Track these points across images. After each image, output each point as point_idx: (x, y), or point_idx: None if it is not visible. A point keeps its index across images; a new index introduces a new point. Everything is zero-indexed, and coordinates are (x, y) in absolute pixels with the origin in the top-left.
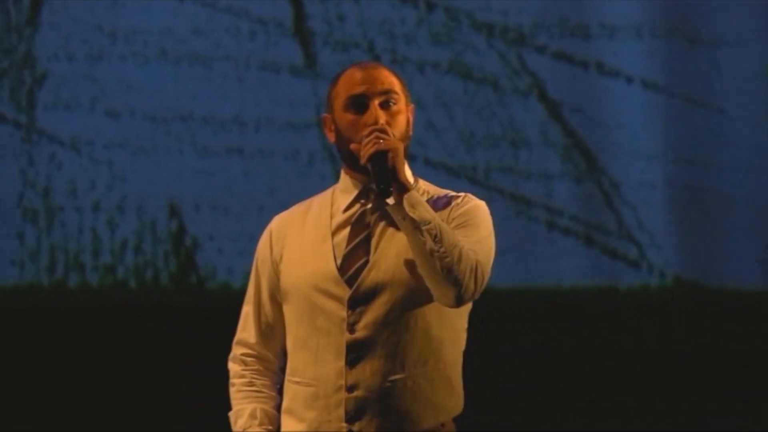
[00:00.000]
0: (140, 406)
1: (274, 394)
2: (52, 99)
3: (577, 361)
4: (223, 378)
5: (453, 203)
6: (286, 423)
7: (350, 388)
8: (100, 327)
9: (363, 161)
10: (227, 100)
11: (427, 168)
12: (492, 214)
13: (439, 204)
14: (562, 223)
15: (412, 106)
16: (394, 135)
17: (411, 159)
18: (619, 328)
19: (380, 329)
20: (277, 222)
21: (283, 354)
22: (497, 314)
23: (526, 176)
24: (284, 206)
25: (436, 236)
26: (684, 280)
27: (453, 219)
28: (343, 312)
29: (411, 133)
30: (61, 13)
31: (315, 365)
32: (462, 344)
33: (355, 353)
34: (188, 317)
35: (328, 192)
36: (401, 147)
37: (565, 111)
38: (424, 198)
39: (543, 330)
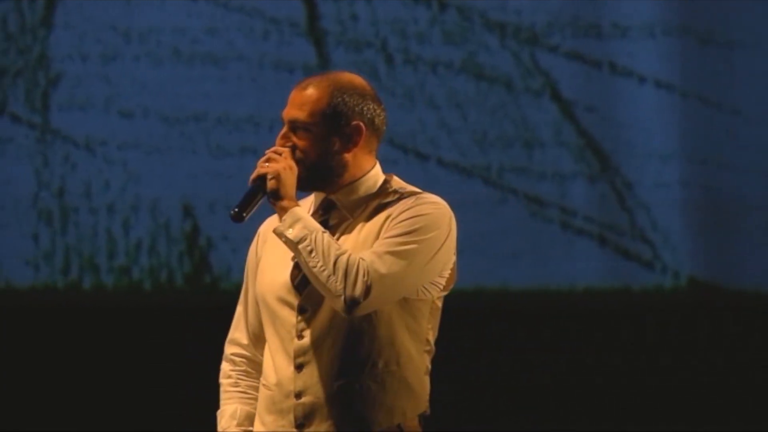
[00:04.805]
0: (154, 407)
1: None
2: (66, 99)
3: (592, 362)
4: None
5: (400, 203)
6: (255, 425)
7: (298, 395)
8: (114, 328)
9: (249, 182)
10: (241, 100)
11: (440, 168)
12: (505, 214)
13: (389, 205)
14: (576, 224)
15: (355, 123)
16: (295, 157)
17: (424, 159)
18: (633, 329)
19: (325, 334)
20: (264, 225)
21: None
22: (511, 315)
23: (539, 176)
24: None
25: (311, 251)
26: (698, 280)
27: (393, 219)
28: (293, 318)
29: (332, 154)
30: (75, 13)
31: (274, 371)
32: (422, 344)
33: (301, 359)
34: (202, 317)
35: (311, 197)
36: (284, 172)
37: (579, 111)
38: (388, 199)
39: (557, 331)
